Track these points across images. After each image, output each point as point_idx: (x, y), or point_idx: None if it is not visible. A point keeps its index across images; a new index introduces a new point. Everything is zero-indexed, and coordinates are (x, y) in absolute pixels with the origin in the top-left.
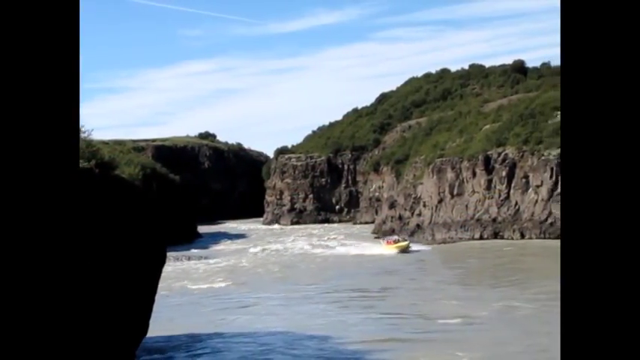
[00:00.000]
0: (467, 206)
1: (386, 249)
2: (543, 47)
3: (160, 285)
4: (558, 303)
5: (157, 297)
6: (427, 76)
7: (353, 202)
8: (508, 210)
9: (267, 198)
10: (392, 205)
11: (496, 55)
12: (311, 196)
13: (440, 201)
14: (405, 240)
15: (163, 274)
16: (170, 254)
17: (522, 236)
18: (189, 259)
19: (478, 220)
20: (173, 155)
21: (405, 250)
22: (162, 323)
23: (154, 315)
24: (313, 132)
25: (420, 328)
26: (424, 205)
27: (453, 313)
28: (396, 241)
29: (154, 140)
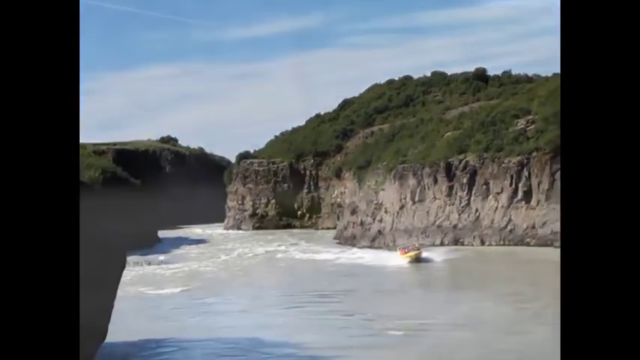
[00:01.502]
0: (428, 212)
1: (399, 259)
2: (505, 55)
3: (120, 290)
4: (523, 305)
5: (116, 302)
6: (390, 82)
7: (315, 207)
8: (469, 217)
9: (229, 203)
10: (354, 211)
11: (458, 63)
12: (273, 201)
13: (401, 207)
14: (418, 248)
15: (123, 279)
16: (130, 259)
17: (482, 243)
18: (149, 263)
19: (439, 226)
20: (134, 159)
21: (416, 260)
22: (123, 328)
23: (113, 320)
24: (275, 137)
25: (399, 330)
26: (386, 211)
27: (427, 315)
28: (407, 251)
29: (114, 144)
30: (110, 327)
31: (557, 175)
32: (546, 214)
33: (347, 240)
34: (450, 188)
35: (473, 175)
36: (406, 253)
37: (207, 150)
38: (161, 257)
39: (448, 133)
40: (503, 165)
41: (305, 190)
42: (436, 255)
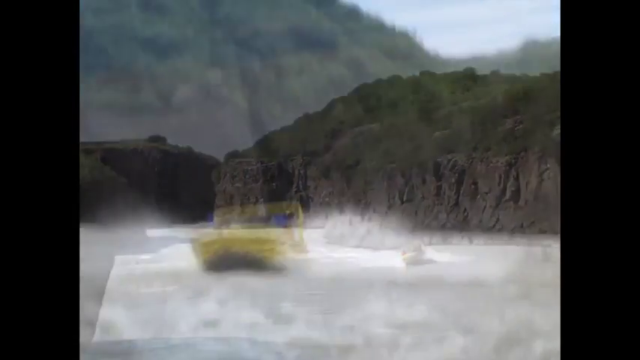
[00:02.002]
0: (416, 212)
1: (397, 260)
2: (493, 55)
3: (107, 289)
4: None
5: (103, 301)
6: (378, 82)
7: (304, 207)
8: (457, 216)
9: (217, 202)
10: (342, 211)
11: (447, 62)
12: (262, 200)
13: (390, 207)
14: (418, 248)
15: (110, 279)
16: (118, 258)
17: (470, 242)
18: (137, 263)
19: (427, 225)
20: (122, 158)
21: (415, 262)
22: (110, 327)
23: (101, 319)
24: (264, 136)
25: (392, 329)
26: (374, 211)
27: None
28: (406, 251)
29: (103, 143)
30: (97, 326)
31: (546, 175)
32: (534, 214)
33: (336, 239)
34: (439, 188)
35: (461, 174)
36: (405, 254)
37: (196, 149)
38: (149, 256)
39: (436, 133)
40: (492, 165)
41: (294, 190)
42: (439, 255)
